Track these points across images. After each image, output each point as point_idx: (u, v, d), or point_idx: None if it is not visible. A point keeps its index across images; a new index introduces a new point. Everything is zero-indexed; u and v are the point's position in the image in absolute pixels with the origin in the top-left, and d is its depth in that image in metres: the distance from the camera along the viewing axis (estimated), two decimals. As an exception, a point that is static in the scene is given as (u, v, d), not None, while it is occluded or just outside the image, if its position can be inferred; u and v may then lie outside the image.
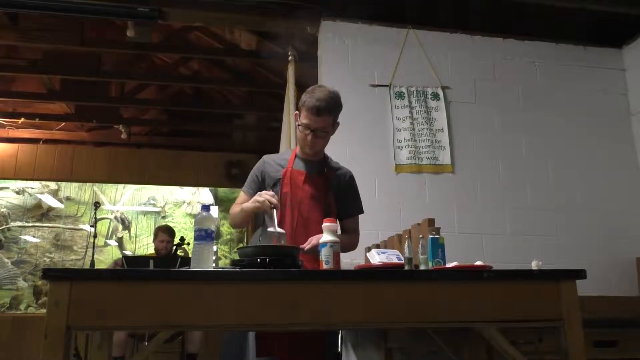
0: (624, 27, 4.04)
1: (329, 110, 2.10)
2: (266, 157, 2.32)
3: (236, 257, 1.70)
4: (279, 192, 2.16)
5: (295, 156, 2.26)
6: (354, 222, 2.32)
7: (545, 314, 1.59)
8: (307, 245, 2.00)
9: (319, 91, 2.12)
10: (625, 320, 2.56)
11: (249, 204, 2.07)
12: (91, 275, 1.52)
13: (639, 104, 3.98)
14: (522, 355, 1.58)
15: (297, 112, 2.18)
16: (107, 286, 1.42)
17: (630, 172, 3.89)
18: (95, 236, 5.12)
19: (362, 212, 2.34)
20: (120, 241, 6.81)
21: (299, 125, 2.16)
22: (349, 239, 2.26)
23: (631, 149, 3.93)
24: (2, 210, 6.59)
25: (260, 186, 2.21)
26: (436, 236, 1.89)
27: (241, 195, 2.29)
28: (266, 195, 1.99)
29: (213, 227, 1.69)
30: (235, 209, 2.23)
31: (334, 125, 2.20)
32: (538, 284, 1.62)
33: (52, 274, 1.41)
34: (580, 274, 1.66)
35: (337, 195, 2.23)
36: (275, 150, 3.97)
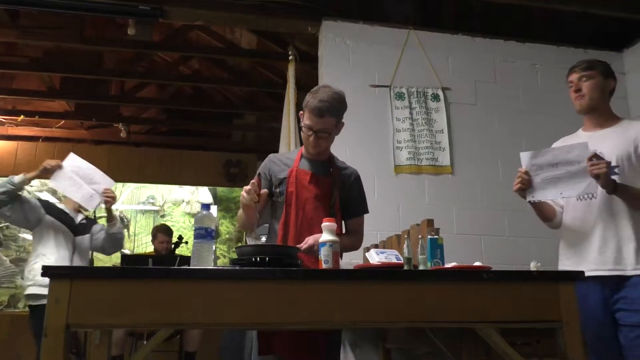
0: (624, 31, 4.05)
1: (331, 112, 2.09)
2: (272, 156, 2.31)
3: (235, 256, 1.70)
4: (285, 191, 2.15)
5: (301, 156, 2.25)
6: (358, 222, 2.31)
7: (544, 315, 1.60)
8: (303, 245, 2.00)
9: (323, 92, 2.11)
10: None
11: (242, 208, 2.07)
12: (91, 273, 1.52)
13: (638, 108, 3.99)
14: (520, 356, 1.58)
15: (301, 112, 2.18)
16: (107, 284, 1.42)
17: (629, 174, 3.89)
18: (94, 234, 5.10)
19: (366, 212, 2.34)
20: (119, 240, 6.80)
21: (302, 125, 2.16)
22: (351, 240, 2.25)
23: (630, 152, 3.94)
24: (1, 207, 6.59)
25: (268, 184, 2.20)
26: (435, 237, 1.89)
27: None
28: (246, 191, 1.97)
29: (213, 226, 1.69)
30: (240, 210, 2.21)
31: (338, 125, 2.19)
32: (537, 286, 1.62)
33: (53, 272, 1.41)
34: (579, 275, 1.67)
35: (342, 195, 2.23)
36: (275, 150, 3.98)
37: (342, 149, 3.34)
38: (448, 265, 1.78)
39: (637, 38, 4.04)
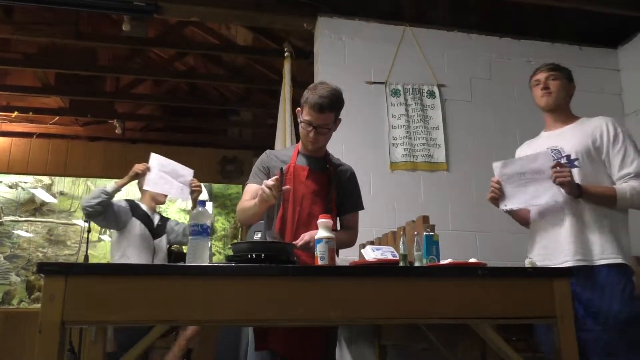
0: (619, 27, 4.06)
1: (330, 108, 2.11)
2: (269, 152, 2.31)
3: (230, 252, 1.70)
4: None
5: (298, 152, 2.26)
6: (353, 219, 2.32)
7: (539, 311, 1.61)
8: (299, 241, 2.00)
9: (321, 88, 2.12)
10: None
11: (258, 203, 1.98)
12: (86, 269, 1.52)
13: (632, 104, 4.01)
14: (514, 351, 1.59)
15: (299, 108, 2.18)
16: (102, 281, 1.42)
17: (623, 171, 3.91)
18: (89, 231, 5.10)
19: (362, 208, 2.35)
20: (114, 236, 6.79)
21: (301, 121, 2.17)
22: (346, 236, 2.26)
23: (625, 149, 3.95)
24: (-5, 204, 6.56)
25: (268, 177, 2.17)
26: (431, 233, 1.89)
27: (249, 188, 2.21)
28: (268, 186, 1.91)
29: (208, 223, 1.69)
30: (244, 204, 2.15)
31: (336, 122, 2.20)
32: (531, 282, 1.63)
33: (47, 269, 1.40)
34: (573, 271, 1.68)
35: (338, 191, 2.23)
36: (271, 146, 3.97)
37: (338, 145, 3.34)
38: (443, 261, 1.78)
39: (632, 35, 4.05)
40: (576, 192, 2.04)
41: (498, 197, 2.20)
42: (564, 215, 2.11)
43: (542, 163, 2.09)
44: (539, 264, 2.13)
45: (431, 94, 3.73)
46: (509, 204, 2.19)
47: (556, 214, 2.14)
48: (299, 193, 2.14)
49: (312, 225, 2.05)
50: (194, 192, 3.32)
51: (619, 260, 2.02)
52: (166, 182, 3.19)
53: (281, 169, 2.04)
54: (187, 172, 3.32)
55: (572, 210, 2.10)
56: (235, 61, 5.87)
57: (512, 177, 2.16)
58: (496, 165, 2.23)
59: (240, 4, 3.75)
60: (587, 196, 2.06)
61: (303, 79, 4.13)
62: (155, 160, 3.23)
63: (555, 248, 2.12)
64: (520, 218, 2.37)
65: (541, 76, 2.30)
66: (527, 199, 2.13)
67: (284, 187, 1.97)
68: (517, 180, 2.15)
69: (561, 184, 2.02)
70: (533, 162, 2.12)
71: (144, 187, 3.29)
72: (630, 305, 1.98)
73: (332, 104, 2.11)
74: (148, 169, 3.16)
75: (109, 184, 3.22)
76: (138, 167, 3.16)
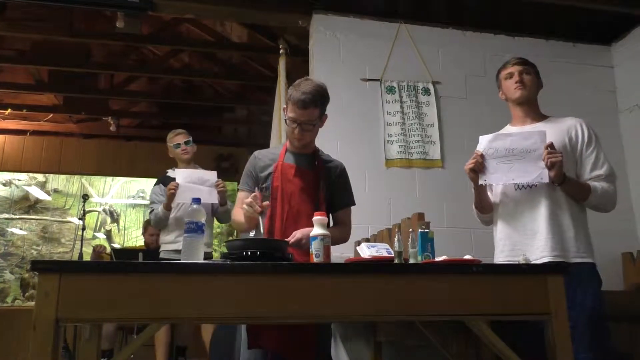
0: (613, 24, 4.07)
1: (314, 103, 2.11)
2: (257, 153, 2.32)
3: (225, 250, 1.70)
4: (270, 186, 2.16)
5: (286, 150, 2.26)
6: (345, 214, 2.32)
7: (533, 308, 1.61)
8: (291, 239, 2.00)
9: (305, 84, 2.13)
10: (612, 315, 2.59)
11: (246, 222, 2.08)
12: (80, 267, 1.51)
13: (626, 101, 4.02)
14: (509, 348, 1.60)
15: (284, 106, 2.19)
16: (97, 278, 1.42)
17: (617, 168, 3.90)
18: (83, 229, 5.08)
19: (353, 204, 2.35)
20: (108, 234, 6.77)
21: (286, 119, 2.17)
22: (339, 232, 2.26)
23: (619, 146, 3.97)
24: (-11, 202, 6.53)
25: (255, 181, 2.23)
26: (426, 230, 1.90)
27: (240, 194, 2.28)
28: (249, 207, 1.98)
29: (203, 220, 1.69)
30: (236, 217, 2.22)
31: (322, 117, 2.20)
32: (526, 279, 1.64)
33: (41, 266, 1.40)
34: (567, 268, 1.69)
35: (328, 188, 2.23)
36: (266, 144, 3.97)
37: (333, 142, 3.34)
38: (438, 258, 1.79)
39: (626, 32, 4.07)
40: (561, 178, 2.04)
41: (477, 170, 2.14)
42: (540, 212, 2.10)
43: (535, 142, 2.07)
44: (513, 256, 2.13)
45: (426, 91, 3.73)
46: (490, 179, 2.14)
47: (531, 211, 2.12)
48: (287, 191, 2.15)
49: (301, 223, 2.07)
50: (220, 192, 3.54)
51: (590, 260, 2.07)
52: (193, 190, 3.42)
53: (258, 187, 2.14)
54: (211, 175, 3.56)
55: (550, 199, 2.10)
56: (230, 58, 5.86)
57: (499, 152, 2.12)
58: (484, 138, 2.18)
59: (235, 0, 3.74)
60: (568, 183, 2.07)
61: (298, 76, 4.09)
62: (180, 174, 3.51)
63: (529, 246, 2.10)
64: (484, 203, 2.33)
65: (515, 69, 2.29)
66: (511, 176, 2.09)
67: (263, 203, 2.00)
68: (503, 156, 2.11)
69: (552, 165, 2.01)
70: (525, 140, 2.09)
71: (177, 201, 3.51)
72: (600, 302, 2.01)
73: (315, 100, 2.11)
74: (178, 185, 3.42)
75: (160, 208, 3.54)
76: (170, 189, 3.44)
